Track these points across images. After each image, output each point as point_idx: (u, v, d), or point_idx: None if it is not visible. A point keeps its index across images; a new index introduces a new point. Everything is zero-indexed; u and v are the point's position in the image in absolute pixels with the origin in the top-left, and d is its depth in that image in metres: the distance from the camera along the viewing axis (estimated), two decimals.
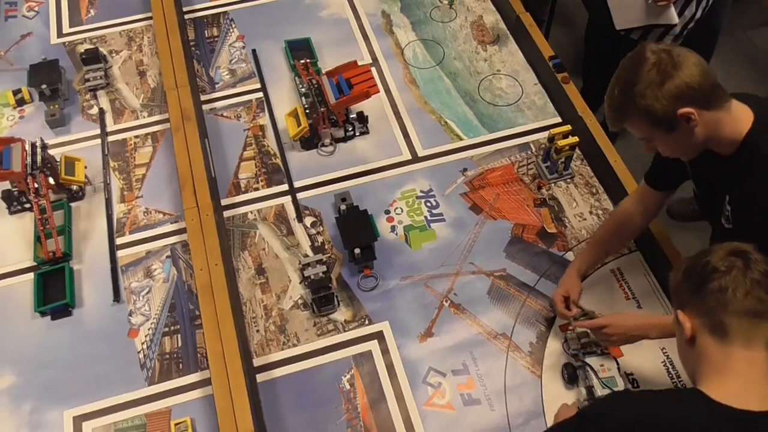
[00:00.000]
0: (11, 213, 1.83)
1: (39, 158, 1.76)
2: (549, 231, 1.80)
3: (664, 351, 1.56)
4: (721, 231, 1.39)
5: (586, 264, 1.64)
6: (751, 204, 1.29)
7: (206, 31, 2.29)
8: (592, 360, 1.49)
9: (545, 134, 1.90)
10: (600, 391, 1.43)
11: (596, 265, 1.68)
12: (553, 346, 1.59)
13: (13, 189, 1.81)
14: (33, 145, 1.78)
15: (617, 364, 1.48)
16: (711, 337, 0.98)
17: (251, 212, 1.85)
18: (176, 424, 1.49)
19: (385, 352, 1.59)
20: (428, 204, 1.86)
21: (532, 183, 1.90)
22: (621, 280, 1.70)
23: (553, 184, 1.89)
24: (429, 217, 1.83)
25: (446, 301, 1.67)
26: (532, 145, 1.98)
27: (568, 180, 1.90)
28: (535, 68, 2.17)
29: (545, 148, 1.89)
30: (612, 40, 2.44)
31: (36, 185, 1.75)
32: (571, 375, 1.51)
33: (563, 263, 1.73)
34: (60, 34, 2.27)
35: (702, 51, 2.60)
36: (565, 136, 1.84)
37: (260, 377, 1.57)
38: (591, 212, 1.83)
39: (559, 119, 2.04)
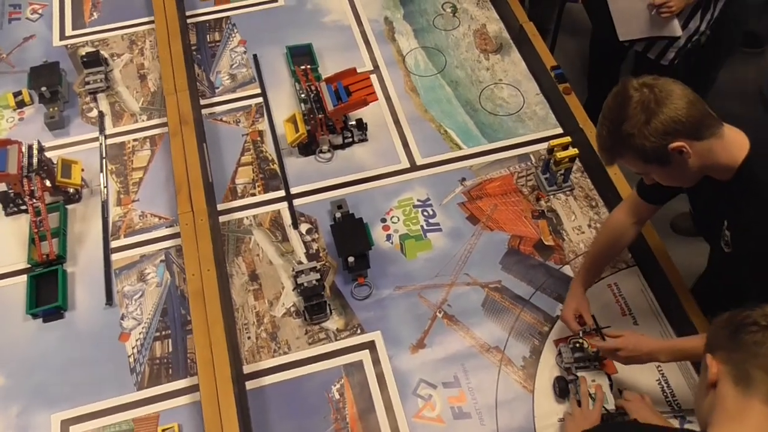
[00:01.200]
0: (7, 215, 1.83)
1: (35, 160, 1.76)
2: (546, 243, 1.77)
3: (660, 369, 1.53)
4: (720, 253, 1.37)
5: (590, 280, 1.60)
6: (749, 230, 1.27)
7: (208, 36, 2.29)
8: (584, 375, 1.47)
9: (545, 145, 1.88)
10: (590, 407, 1.41)
11: (597, 279, 1.65)
12: (547, 361, 1.57)
13: (9, 191, 1.81)
14: (30, 148, 1.78)
15: (609, 380, 1.46)
16: (734, 387, 0.97)
17: (247, 218, 1.84)
18: (163, 430, 1.49)
19: (376, 362, 1.58)
20: (425, 213, 1.84)
21: (530, 194, 1.88)
22: (618, 296, 1.67)
23: (551, 196, 1.87)
24: (425, 227, 1.81)
25: (440, 312, 1.65)
26: (532, 156, 1.96)
27: (568, 192, 1.88)
28: (538, 78, 2.16)
29: (545, 159, 1.88)
30: (616, 51, 2.42)
31: (31, 187, 1.75)
32: (563, 388, 1.49)
33: (560, 277, 1.70)
34: (62, 37, 2.28)
35: (708, 67, 2.59)
36: (564, 147, 1.82)
37: (250, 384, 1.56)
38: (590, 225, 1.81)
39: (560, 130, 2.02)
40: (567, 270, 1.72)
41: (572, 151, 1.81)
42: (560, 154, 1.80)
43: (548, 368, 1.56)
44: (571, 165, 1.85)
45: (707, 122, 1.19)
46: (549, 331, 1.61)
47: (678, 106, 1.16)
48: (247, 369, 1.58)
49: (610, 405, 1.41)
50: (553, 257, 1.75)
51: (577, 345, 1.53)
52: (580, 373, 1.48)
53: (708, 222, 1.40)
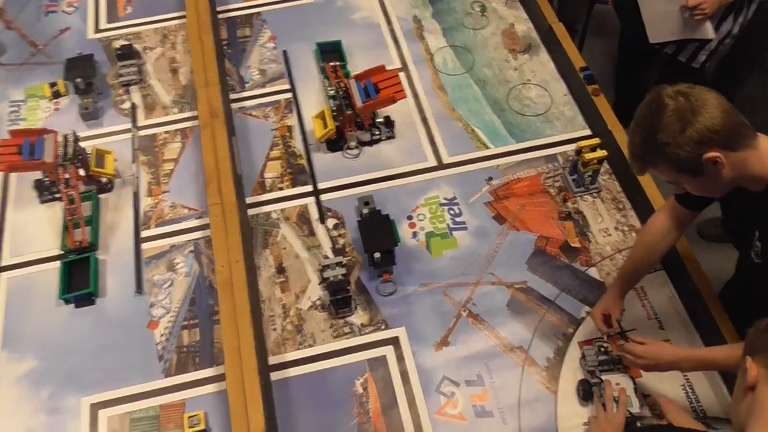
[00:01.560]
0: (42, 202, 1.87)
1: (70, 150, 1.80)
2: (572, 245, 1.77)
3: (685, 375, 1.53)
4: (750, 263, 1.36)
5: (628, 284, 1.57)
6: None
7: (238, 31, 2.31)
8: (608, 378, 1.46)
9: (573, 146, 1.87)
10: (614, 411, 1.40)
11: (636, 285, 1.62)
12: (571, 362, 1.57)
13: (45, 179, 1.85)
14: (65, 137, 1.82)
15: (634, 384, 1.45)
16: None
17: (275, 211, 1.86)
18: (189, 417, 1.51)
19: (399, 358, 1.59)
20: (451, 212, 1.85)
21: (557, 195, 1.88)
22: (644, 299, 1.66)
23: (579, 198, 1.87)
24: (451, 225, 1.82)
25: (464, 311, 1.66)
26: (559, 157, 1.96)
27: (595, 194, 1.87)
28: (566, 79, 2.15)
29: (572, 160, 1.87)
30: (645, 53, 2.40)
31: (66, 176, 1.79)
32: (587, 391, 1.49)
33: (586, 279, 1.70)
34: (97, 30, 2.32)
35: (738, 70, 2.56)
36: (593, 149, 1.81)
37: (274, 376, 1.58)
38: (617, 228, 1.80)
39: (588, 132, 2.01)
40: (593, 272, 1.72)
41: (601, 152, 1.80)
42: (588, 156, 1.80)
43: (572, 370, 1.56)
44: (599, 167, 1.84)
45: (742, 132, 1.18)
46: (574, 333, 1.61)
47: (714, 116, 1.15)
48: (272, 360, 1.60)
49: (635, 408, 1.41)
50: (579, 259, 1.74)
51: (602, 348, 1.52)
52: (604, 376, 1.47)
53: (740, 231, 1.39)
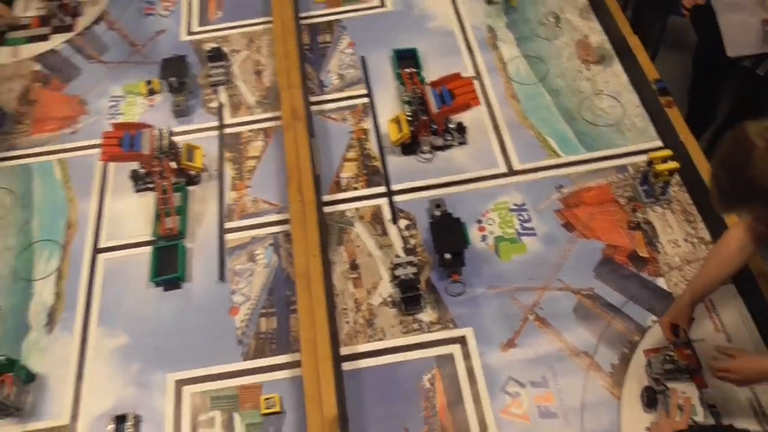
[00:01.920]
0: (137, 191, 2.02)
1: (165, 144, 1.94)
2: (641, 255, 1.79)
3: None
4: None
5: (699, 297, 1.56)
6: None
7: (319, 37, 2.42)
8: (674, 386, 1.48)
9: (644, 157, 1.89)
10: (678, 419, 1.42)
11: (709, 296, 1.62)
12: (636, 370, 1.59)
13: (140, 170, 2.00)
14: (161, 132, 1.96)
15: (700, 393, 1.47)
16: None
17: (349, 210, 1.95)
18: (265, 399, 1.61)
19: (466, 356, 1.65)
20: (520, 217, 1.89)
21: (627, 205, 1.90)
22: (712, 312, 1.67)
23: (648, 208, 1.88)
24: (520, 230, 1.87)
25: (531, 314, 1.70)
26: (630, 168, 1.98)
27: (665, 205, 1.88)
28: (639, 90, 2.16)
29: (643, 171, 1.89)
30: (721, 66, 2.38)
31: (160, 168, 1.92)
32: (651, 399, 1.51)
33: (653, 288, 1.72)
34: (189, 32, 2.48)
35: None
36: (664, 160, 1.82)
37: (346, 366, 1.66)
38: (686, 240, 1.81)
39: (660, 143, 2.02)
40: (661, 282, 1.73)
41: (673, 164, 1.81)
42: (660, 167, 1.81)
43: (637, 377, 1.58)
44: (670, 178, 1.85)
45: None
46: (639, 341, 1.63)
47: None
48: (344, 351, 1.68)
49: (699, 417, 1.42)
50: (647, 269, 1.76)
51: (668, 357, 1.54)
52: (669, 385, 1.49)
53: None
